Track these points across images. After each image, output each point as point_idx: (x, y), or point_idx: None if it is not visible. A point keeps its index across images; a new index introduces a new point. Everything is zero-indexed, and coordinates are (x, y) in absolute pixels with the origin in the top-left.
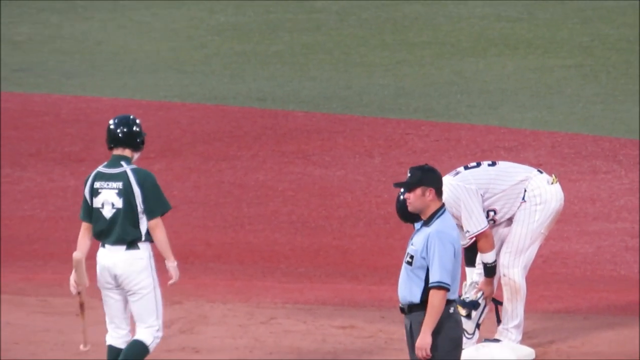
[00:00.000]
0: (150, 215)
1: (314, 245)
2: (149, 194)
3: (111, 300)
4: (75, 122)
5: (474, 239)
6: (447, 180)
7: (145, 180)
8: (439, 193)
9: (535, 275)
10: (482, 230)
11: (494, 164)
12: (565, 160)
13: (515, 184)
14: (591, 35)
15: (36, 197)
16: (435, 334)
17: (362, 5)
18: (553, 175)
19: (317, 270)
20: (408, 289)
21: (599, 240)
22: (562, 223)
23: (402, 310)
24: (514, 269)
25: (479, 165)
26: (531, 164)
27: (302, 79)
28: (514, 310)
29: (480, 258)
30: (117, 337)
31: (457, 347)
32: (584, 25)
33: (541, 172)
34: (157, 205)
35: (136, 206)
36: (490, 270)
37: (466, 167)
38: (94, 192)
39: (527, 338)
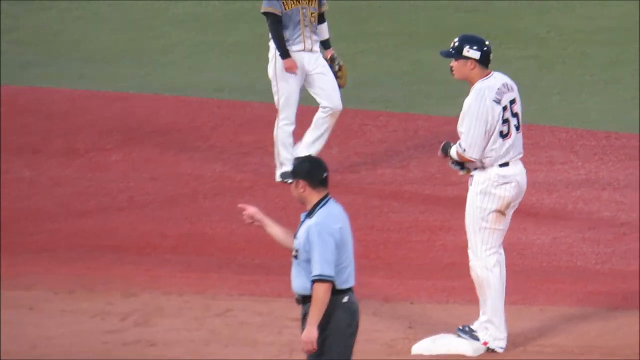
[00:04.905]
0: None
1: (270, 236)
2: None
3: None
4: (33, 112)
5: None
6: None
7: None
8: (313, 184)
9: None
10: (468, 157)
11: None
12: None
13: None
14: (548, 26)
15: None
16: (325, 324)
17: None
18: None
19: (274, 262)
20: (299, 281)
21: (555, 231)
22: (519, 213)
23: (297, 301)
24: (476, 261)
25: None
26: None
27: (261, 69)
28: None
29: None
30: None
31: (349, 337)
32: (541, 17)
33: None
34: None
35: None
36: (446, 152)
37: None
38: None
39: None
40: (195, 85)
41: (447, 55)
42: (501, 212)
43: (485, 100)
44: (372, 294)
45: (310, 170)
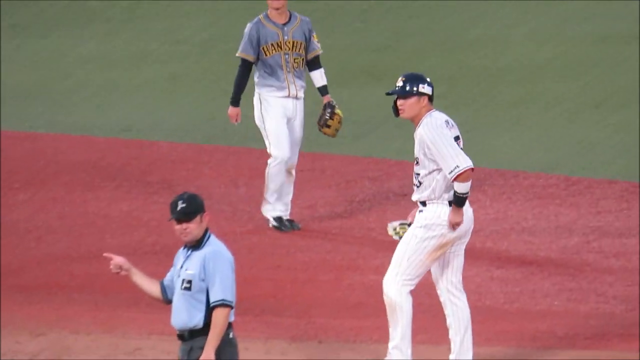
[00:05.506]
0: None
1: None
2: None
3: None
4: None
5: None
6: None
7: None
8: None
9: None
10: (465, 168)
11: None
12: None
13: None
14: (455, 65)
15: None
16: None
17: (226, 36)
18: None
19: None
20: (188, 315)
21: (464, 270)
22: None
23: (180, 337)
24: (391, 285)
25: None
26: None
27: (167, 109)
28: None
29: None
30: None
31: None
32: (448, 56)
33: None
34: None
35: None
36: (460, 200)
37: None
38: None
39: None
40: (103, 125)
41: (404, 92)
42: (438, 250)
43: (442, 126)
44: (279, 333)
45: (203, 203)
